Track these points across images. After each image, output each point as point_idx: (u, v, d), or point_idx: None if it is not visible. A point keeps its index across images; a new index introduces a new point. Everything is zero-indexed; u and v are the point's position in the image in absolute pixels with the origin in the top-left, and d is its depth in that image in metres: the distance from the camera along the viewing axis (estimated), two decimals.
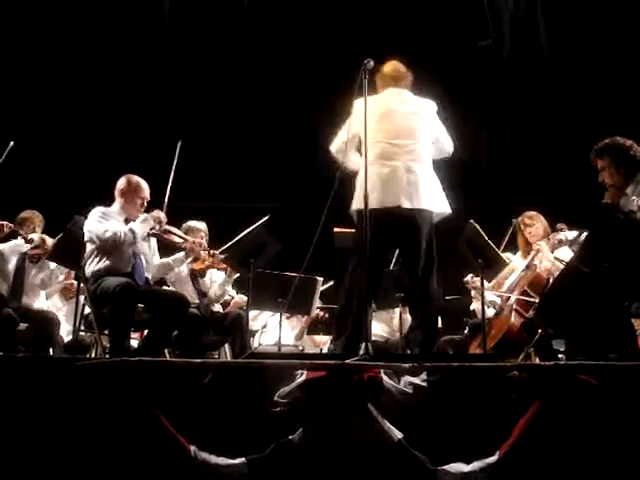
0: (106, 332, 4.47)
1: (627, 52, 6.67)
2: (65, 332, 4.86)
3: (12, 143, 4.46)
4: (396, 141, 3.68)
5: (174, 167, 4.49)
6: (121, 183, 4.34)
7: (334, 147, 3.87)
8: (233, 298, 5.23)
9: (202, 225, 5.11)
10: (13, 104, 6.75)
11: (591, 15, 6.77)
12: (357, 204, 3.63)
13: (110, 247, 4.08)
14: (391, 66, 3.94)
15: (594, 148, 3.67)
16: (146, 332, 4.39)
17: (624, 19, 6.68)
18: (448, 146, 3.92)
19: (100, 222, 4.14)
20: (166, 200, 4.41)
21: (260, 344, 5.58)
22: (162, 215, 4.29)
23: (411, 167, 3.65)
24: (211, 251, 4.80)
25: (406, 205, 3.61)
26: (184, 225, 5.00)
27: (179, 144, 4.54)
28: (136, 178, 4.35)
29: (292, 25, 7.06)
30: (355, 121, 3.69)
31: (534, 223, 4.67)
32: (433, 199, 3.70)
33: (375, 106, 3.72)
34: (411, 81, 3.98)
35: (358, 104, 3.69)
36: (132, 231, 4.11)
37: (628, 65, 6.67)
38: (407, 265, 3.80)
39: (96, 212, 4.20)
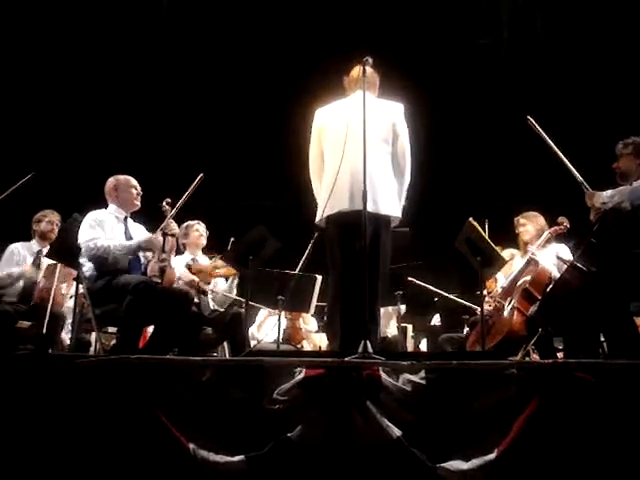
0: (109, 330, 4.50)
1: (626, 46, 6.68)
2: (64, 331, 4.85)
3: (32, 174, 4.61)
4: (346, 150, 3.66)
5: (188, 194, 4.29)
6: (110, 183, 4.33)
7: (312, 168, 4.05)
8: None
9: (200, 225, 5.15)
10: (13, 104, 6.78)
11: (589, 14, 6.78)
12: (319, 213, 3.84)
13: (95, 257, 4.01)
14: (359, 69, 3.88)
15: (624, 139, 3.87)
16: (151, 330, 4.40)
17: (623, 16, 6.68)
18: (407, 152, 3.92)
19: (90, 229, 4.08)
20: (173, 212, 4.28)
21: (259, 341, 5.57)
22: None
23: (359, 170, 3.54)
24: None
25: (347, 208, 3.71)
26: (183, 225, 5.01)
27: (200, 177, 4.30)
28: (122, 175, 4.34)
29: (293, 21, 7.05)
30: (316, 134, 3.97)
31: (527, 223, 4.79)
32: (383, 201, 3.75)
33: (332, 116, 3.91)
34: (378, 85, 3.99)
35: (319, 115, 3.97)
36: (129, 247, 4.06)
37: (627, 59, 6.68)
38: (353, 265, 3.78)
39: (88, 218, 4.14)
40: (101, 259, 4.01)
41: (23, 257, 4.87)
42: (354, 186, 3.69)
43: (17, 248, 4.90)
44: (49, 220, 4.98)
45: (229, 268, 4.84)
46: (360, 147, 3.48)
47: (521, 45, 7.06)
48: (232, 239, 5.00)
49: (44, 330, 4.40)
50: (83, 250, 4.03)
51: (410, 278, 4.75)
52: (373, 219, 3.67)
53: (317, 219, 3.88)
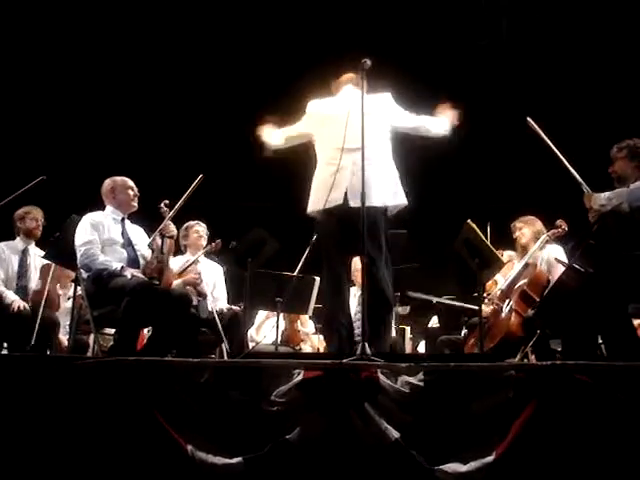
0: (108, 331, 4.50)
1: (627, 48, 6.69)
2: (62, 332, 4.85)
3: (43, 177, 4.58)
4: (345, 146, 3.62)
5: (187, 195, 4.30)
6: (106, 185, 4.29)
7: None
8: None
9: (200, 225, 5.14)
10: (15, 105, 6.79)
11: (589, 16, 6.79)
12: (309, 207, 3.80)
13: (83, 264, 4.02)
14: (351, 77, 3.91)
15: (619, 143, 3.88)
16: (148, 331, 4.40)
17: (623, 19, 6.69)
18: (419, 122, 3.92)
19: (85, 232, 4.06)
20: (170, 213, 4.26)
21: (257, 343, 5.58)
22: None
23: (359, 167, 3.48)
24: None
25: (352, 204, 3.63)
26: (183, 226, 5.01)
27: (200, 178, 4.33)
28: (119, 177, 4.31)
29: (293, 21, 7.05)
30: (307, 122, 3.93)
31: (523, 227, 4.84)
32: (383, 194, 3.71)
33: (327, 110, 3.88)
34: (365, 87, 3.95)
35: (312, 106, 3.93)
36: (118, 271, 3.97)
37: (627, 61, 6.70)
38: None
39: (85, 220, 4.12)
40: (88, 267, 4.00)
41: (8, 257, 4.82)
42: (354, 181, 3.61)
43: (2, 247, 4.85)
44: (33, 217, 4.87)
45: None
46: (350, 148, 3.50)
47: (521, 46, 7.06)
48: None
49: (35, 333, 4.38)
50: (77, 254, 4.02)
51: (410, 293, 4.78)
52: (373, 212, 3.62)
53: (309, 209, 3.81)
